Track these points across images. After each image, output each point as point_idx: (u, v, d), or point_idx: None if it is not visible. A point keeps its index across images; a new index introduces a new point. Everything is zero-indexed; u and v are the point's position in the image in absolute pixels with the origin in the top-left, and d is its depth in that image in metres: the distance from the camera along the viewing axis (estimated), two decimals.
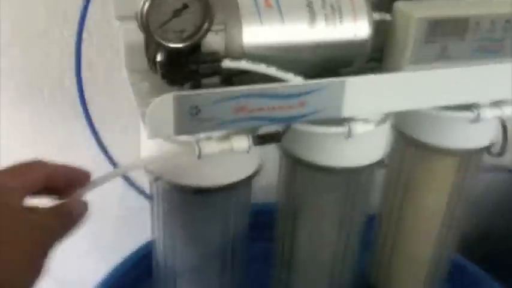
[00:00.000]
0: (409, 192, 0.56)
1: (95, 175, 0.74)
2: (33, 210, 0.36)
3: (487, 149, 0.51)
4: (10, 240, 0.32)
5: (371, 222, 0.63)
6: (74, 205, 0.38)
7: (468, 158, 0.52)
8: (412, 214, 0.57)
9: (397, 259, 0.60)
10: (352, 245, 0.54)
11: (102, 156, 0.67)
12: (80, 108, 0.64)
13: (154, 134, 0.37)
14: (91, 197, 0.78)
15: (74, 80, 0.62)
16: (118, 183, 0.73)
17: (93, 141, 0.66)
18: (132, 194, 0.74)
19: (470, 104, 0.46)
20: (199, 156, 0.39)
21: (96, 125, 0.65)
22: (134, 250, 0.64)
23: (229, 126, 0.38)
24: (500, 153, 0.50)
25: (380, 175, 0.60)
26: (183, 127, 0.37)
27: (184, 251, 0.48)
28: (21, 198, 0.35)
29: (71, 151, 0.71)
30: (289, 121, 0.40)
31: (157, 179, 0.44)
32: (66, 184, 0.38)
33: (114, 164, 0.67)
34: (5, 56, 0.64)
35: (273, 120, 0.39)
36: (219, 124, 0.38)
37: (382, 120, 0.46)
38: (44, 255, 0.35)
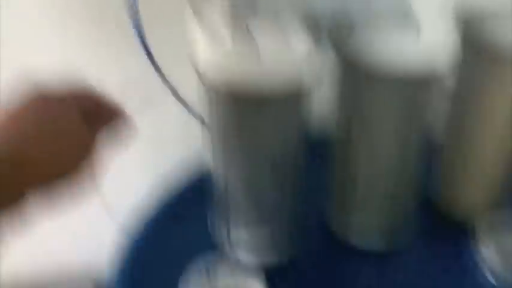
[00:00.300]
0: (476, 102, 0.53)
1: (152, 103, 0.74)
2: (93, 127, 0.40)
3: None
4: (68, 136, 0.37)
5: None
6: (124, 123, 0.42)
7: None
8: (480, 125, 0.54)
9: (462, 173, 0.57)
10: (414, 160, 0.52)
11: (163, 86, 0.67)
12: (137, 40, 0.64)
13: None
14: (150, 122, 0.78)
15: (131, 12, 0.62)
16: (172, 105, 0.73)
17: (152, 73, 0.66)
18: (192, 126, 0.74)
19: None
20: (256, 56, 0.38)
21: (155, 57, 0.65)
22: (188, 172, 0.65)
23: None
24: None
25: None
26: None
27: (241, 164, 0.47)
28: (79, 114, 0.38)
29: (131, 83, 0.71)
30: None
31: (211, 87, 0.43)
32: (109, 113, 0.42)
33: (175, 92, 0.67)
34: None
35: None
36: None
37: (446, 20, 0.43)
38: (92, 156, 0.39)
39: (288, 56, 0.39)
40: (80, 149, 0.38)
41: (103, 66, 0.71)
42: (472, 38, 0.49)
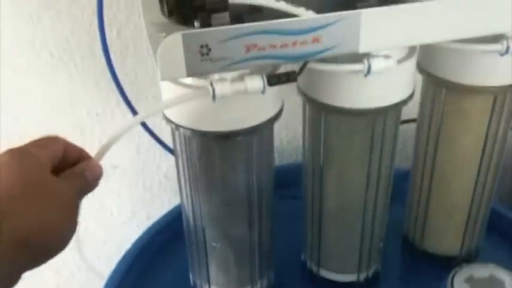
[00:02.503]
0: (441, 138, 0.54)
1: (129, 140, 0.75)
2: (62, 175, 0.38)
3: None
4: (46, 201, 0.35)
5: (408, 176, 0.62)
6: (92, 167, 0.41)
7: (503, 95, 0.49)
8: (446, 161, 0.55)
9: (433, 209, 0.58)
10: (383, 192, 0.53)
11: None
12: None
13: (166, 75, 0.37)
14: (129, 165, 0.79)
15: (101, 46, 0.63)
16: (156, 150, 0.75)
17: (126, 108, 0.68)
18: (169, 161, 0.75)
19: (498, 35, 0.44)
20: (213, 98, 0.39)
21: (129, 91, 0.66)
22: (165, 212, 0.65)
23: (242, 65, 0.38)
24: None
25: (412, 127, 0.58)
26: (195, 67, 0.37)
27: (210, 201, 0.48)
28: (48, 165, 0.37)
29: (105, 119, 0.72)
30: (303, 58, 0.39)
31: (177, 127, 0.44)
32: (76, 160, 0.40)
33: (147, 129, 0.68)
34: (37, 26, 0.66)
35: (286, 57, 0.39)
36: (231, 64, 0.38)
37: (405, 57, 0.45)
38: (75, 213, 0.38)
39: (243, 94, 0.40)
40: (64, 206, 0.36)
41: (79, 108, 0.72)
42: (430, 72, 0.51)
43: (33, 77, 0.69)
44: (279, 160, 0.77)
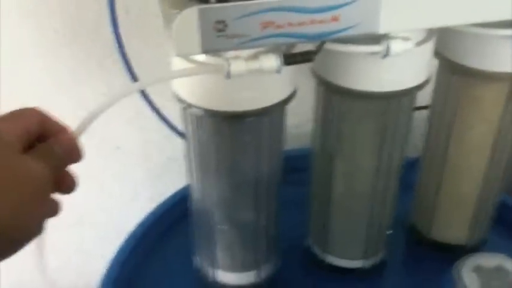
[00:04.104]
0: (455, 126, 0.53)
1: (133, 121, 0.74)
2: (30, 152, 0.34)
3: None
4: (10, 187, 0.31)
5: (415, 164, 0.61)
6: (62, 140, 0.36)
7: None
8: (458, 149, 0.54)
9: (442, 198, 0.57)
10: (392, 181, 0.52)
11: (142, 101, 0.67)
12: (117, 54, 0.64)
13: (180, 50, 0.36)
14: (132, 146, 0.78)
15: (110, 25, 0.62)
16: (160, 132, 0.74)
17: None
18: (173, 142, 0.74)
19: None
20: (227, 76, 0.38)
21: (135, 70, 0.65)
22: (168, 195, 0.64)
23: (258, 43, 0.37)
24: None
25: (422, 115, 0.57)
26: (210, 44, 0.36)
27: (218, 183, 0.47)
28: (20, 142, 0.34)
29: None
30: (321, 37, 0.38)
31: (188, 106, 0.43)
32: (56, 132, 0.36)
33: (154, 108, 0.67)
34: (42, 3, 0.64)
35: (304, 36, 0.38)
36: (247, 41, 0.37)
37: (424, 40, 0.44)
38: (46, 198, 0.34)
39: (257, 73, 0.39)
40: (37, 191, 0.32)
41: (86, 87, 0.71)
42: (447, 57, 0.50)
43: (36, 50, 0.68)
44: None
